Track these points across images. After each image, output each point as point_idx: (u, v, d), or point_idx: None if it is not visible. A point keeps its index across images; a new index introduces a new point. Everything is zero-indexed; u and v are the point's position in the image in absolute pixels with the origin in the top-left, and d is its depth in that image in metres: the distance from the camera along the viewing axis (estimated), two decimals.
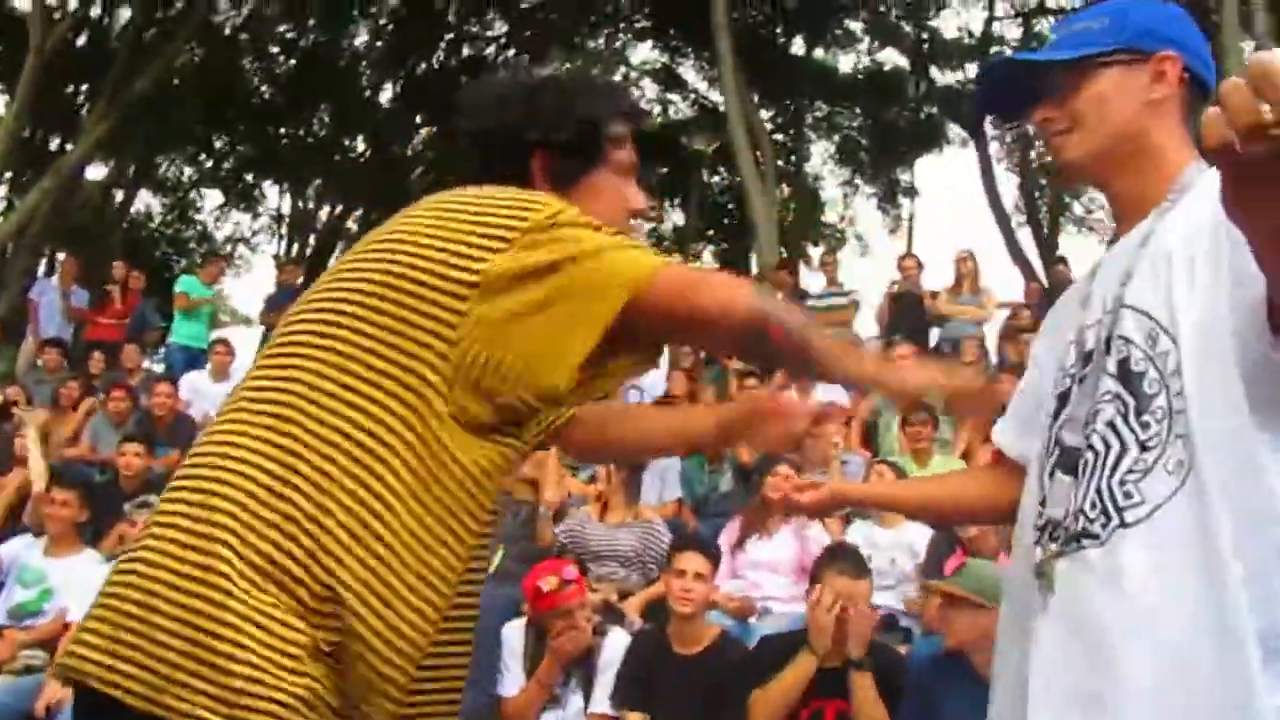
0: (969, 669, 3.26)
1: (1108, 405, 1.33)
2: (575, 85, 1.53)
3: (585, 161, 1.47)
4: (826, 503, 1.78)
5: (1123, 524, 1.28)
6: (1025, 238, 18.22)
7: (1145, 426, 1.29)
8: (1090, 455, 1.34)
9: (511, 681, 3.82)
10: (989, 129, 18.96)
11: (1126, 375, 1.32)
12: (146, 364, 10.02)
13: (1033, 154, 19.33)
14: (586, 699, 3.70)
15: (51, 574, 4.74)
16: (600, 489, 5.30)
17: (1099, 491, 1.31)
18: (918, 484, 2.28)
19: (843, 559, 3.67)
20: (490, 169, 1.47)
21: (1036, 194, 19.37)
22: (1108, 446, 1.32)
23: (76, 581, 4.51)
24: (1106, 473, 1.31)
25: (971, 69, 19.50)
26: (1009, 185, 19.13)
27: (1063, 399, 1.42)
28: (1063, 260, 10.24)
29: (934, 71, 19.72)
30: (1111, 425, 1.32)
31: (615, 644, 3.79)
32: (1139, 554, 1.25)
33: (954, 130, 19.91)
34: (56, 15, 13.96)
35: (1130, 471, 1.29)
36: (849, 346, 1.52)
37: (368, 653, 1.24)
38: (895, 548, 4.80)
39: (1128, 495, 1.29)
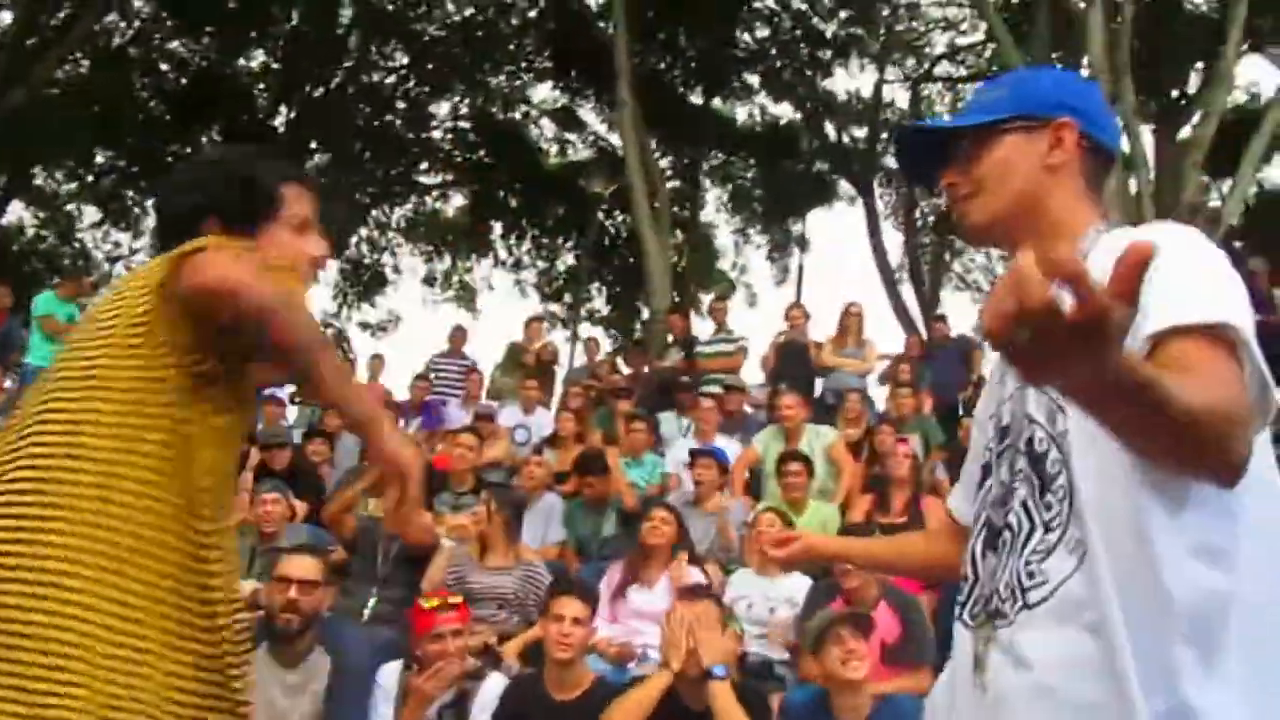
0: (834, 716, 3.33)
1: (1021, 484, 1.36)
2: (245, 157, 1.79)
3: (256, 221, 1.70)
4: (799, 555, 1.85)
5: (1026, 605, 1.30)
6: (907, 293, 18.85)
7: (1048, 507, 1.31)
8: (1008, 534, 1.36)
9: None
10: (877, 187, 19.62)
11: (1032, 455, 1.35)
12: (8, 384, 9.53)
13: (917, 213, 20.04)
14: None
15: None
16: (481, 529, 5.22)
17: (1012, 572, 1.34)
18: (893, 542, 2.33)
19: (693, 590, 3.82)
20: (168, 241, 1.67)
21: (920, 252, 20.06)
22: (1020, 526, 1.35)
23: None
24: (1018, 553, 1.33)
25: (860, 131, 20.17)
26: (894, 242, 19.78)
27: (985, 472, 1.46)
28: (942, 318, 10.63)
29: (828, 128, 20.32)
30: (1024, 504, 1.35)
31: (491, 688, 3.74)
32: (1038, 634, 1.28)
33: (844, 186, 20.52)
34: None
35: (1034, 551, 1.31)
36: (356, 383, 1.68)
37: None
38: (776, 598, 4.86)
39: (1031, 575, 1.31)
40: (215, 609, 1.55)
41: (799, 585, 4.84)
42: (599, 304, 20.82)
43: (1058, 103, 1.45)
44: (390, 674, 3.84)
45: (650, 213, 13.25)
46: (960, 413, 7.96)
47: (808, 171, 20.14)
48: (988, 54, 18.79)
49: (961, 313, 24.38)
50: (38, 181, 19.47)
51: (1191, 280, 1.24)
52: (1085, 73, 12.74)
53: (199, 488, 1.55)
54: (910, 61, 20.49)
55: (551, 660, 3.72)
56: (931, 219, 20.26)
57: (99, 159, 19.07)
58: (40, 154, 17.60)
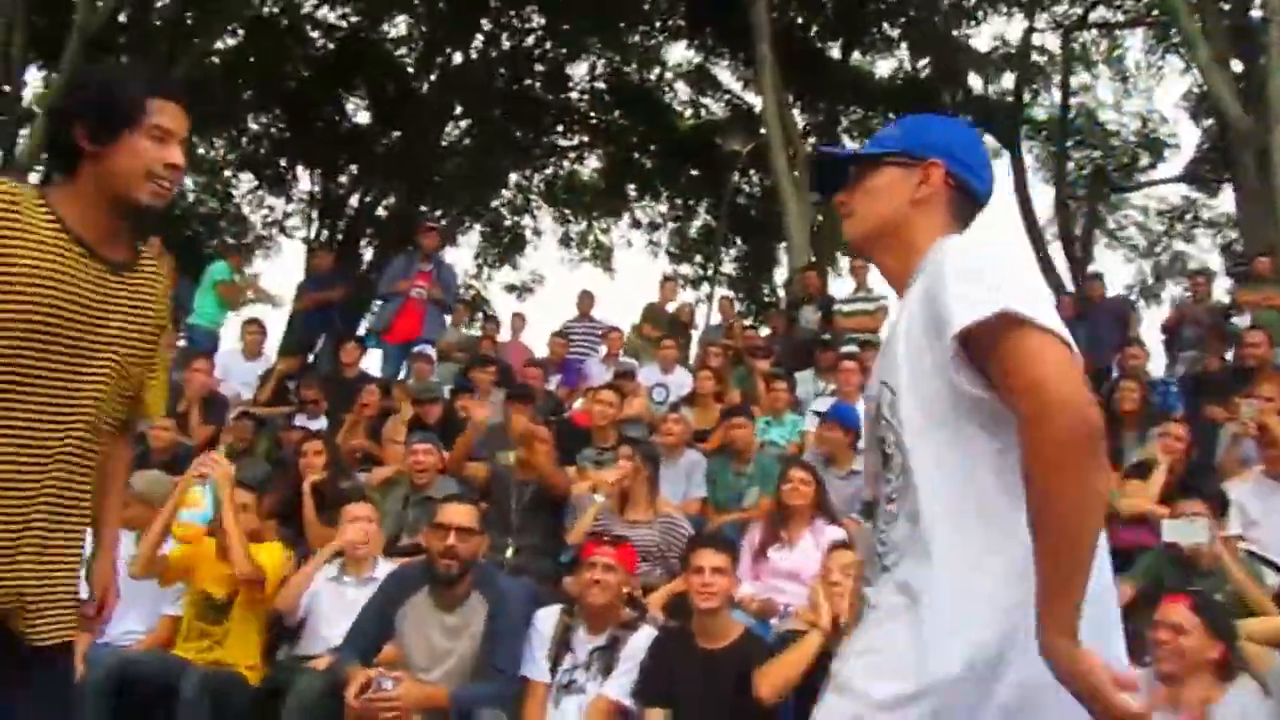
0: None
1: (876, 463, 1.63)
2: (113, 70, 2.04)
3: (115, 128, 1.91)
4: None
5: (883, 568, 1.55)
6: (1056, 252, 18.13)
7: (888, 482, 1.57)
8: (874, 507, 1.64)
9: (535, 666, 3.86)
10: (1024, 141, 18.87)
11: (879, 439, 1.60)
12: (180, 343, 10.09)
13: (1069, 166, 19.20)
14: None
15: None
16: (624, 484, 5.29)
17: (875, 539, 1.61)
18: None
19: (843, 544, 3.81)
20: (52, 145, 2.04)
21: (1071, 208, 19.23)
22: (876, 501, 1.62)
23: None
24: (876, 524, 1.61)
25: (1008, 79, 19.39)
26: (1043, 198, 19.02)
27: (865, 453, 1.75)
28: (1098, 277, 10.16)
29: (971, 81, 19.63)
30: (875, 480, 1.62)
31: (641, 638, 3.82)
32: (886, 595, 1.52)
33: (989, 140, 19.81)
34: (98, 2, 14.07)
35: (884, 523, 1.57)
36: None
37: None
38: None
39: (882, 544, 1.57)
40: None
41: None
42: (730, 266, 20.72)
43: (935, 145, 1.69)
44: (548, 618, 3.97)
45: (789, 170, 13.05)
46: (1115, 375, 7.64)
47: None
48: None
49: (1115, 272, 23.38)
50: (199, 150, 20.45)
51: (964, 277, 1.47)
52: (1259, 13, 11.97)
53: None
54: (1061, 7, 19.53)
55: (697, 611, 3.77)
56: (1085, 172, 19.41)
57: (253, 126, 19.89)
58: (201, 124, 18.46)
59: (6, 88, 14.24)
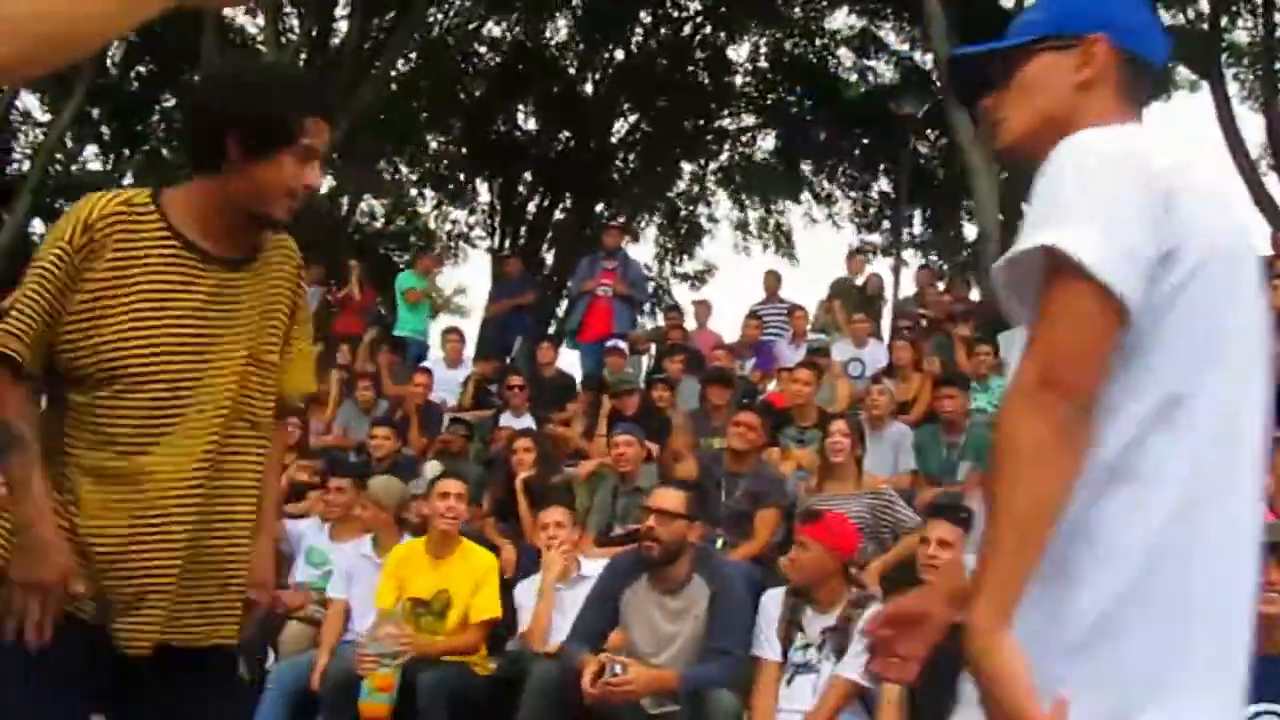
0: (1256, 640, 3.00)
1: None
2: (268, 84, 1.96)
3: (270, 146, 1.86)
4: None
5: None
6: (1272, 184, 16.73)
7: None
8: None
9: (768, 646, 3.85)
10: (1227, 69, 17.54)
11: None
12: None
13: None
14: None
15: (333, 557, 5.13)
16: (838, 460, 5.21)
17: None
18: None
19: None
20: (194, 143, 1.95)
21: None
22: None
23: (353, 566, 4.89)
24: None
25: (1203, 3, 18.04)
26: (1253, 127, 17.57)
27: None
28: None
29: (1160, 13, 18.34)
30: None
31: (870, 615, 3.75)
32: None
33: (1182, 74, 18.50)
34: (283, 39, 14.96)
35: None
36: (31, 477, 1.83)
37: None
38: None
39: None
40: None
41: None
42: (917, 229, 20.11)
43: (1091, 19, 1.44)
44: (775, 599, 3.95)
45: (971, 127, 12.56)
46: None
47: None
48: None
49: None
50: (385, 175, 21.44)
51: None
52: None
53: None
54: None
55: (924, 583, 3.66)
56: None
57: (432, 145, 20.69)
58: (384, 147, 19.36)
59: None
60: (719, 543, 5.09)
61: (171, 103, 19.15)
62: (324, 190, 18.81)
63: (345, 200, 20.07)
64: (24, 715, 1.83)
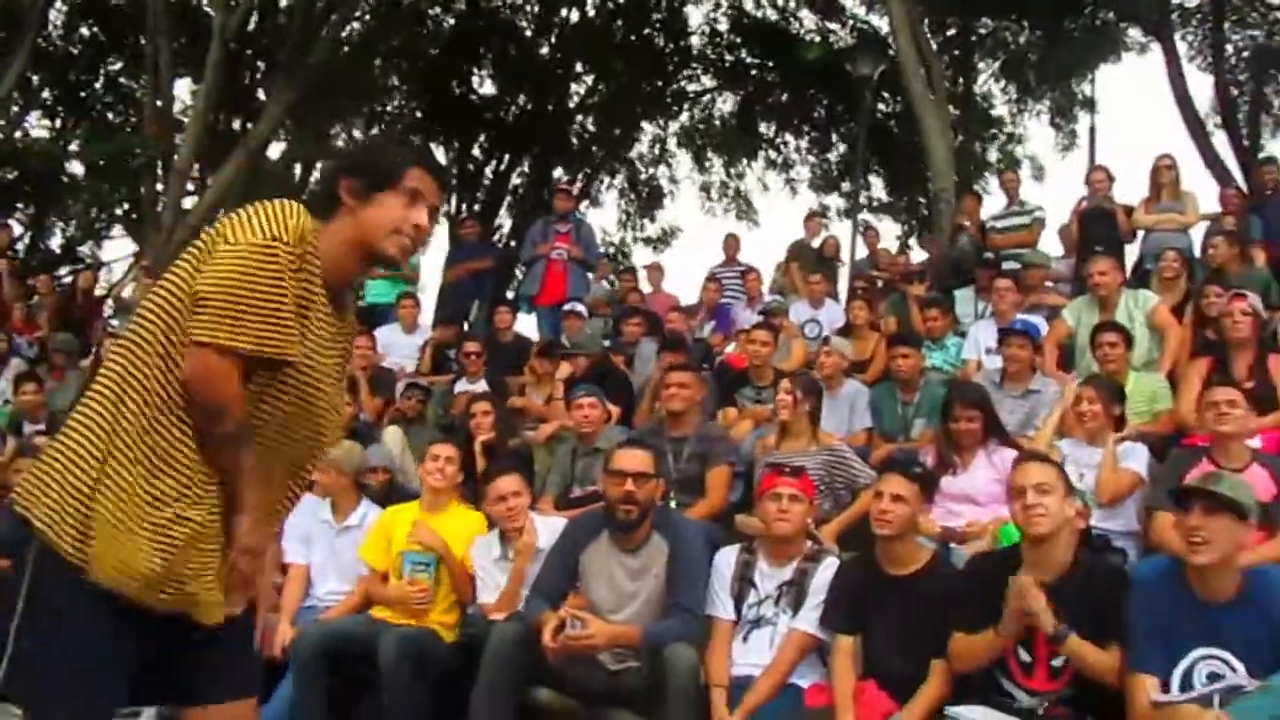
0: (1190, 588, 3.09)
1: None
2: (384, 142, 2.57)
3: (375, 186, 2.09)
4: None
5: None
6: (1220, 142, 16.96)
7: None
8: None
9: (720, 604, 3.90)
10: (1176, 28, 17.67)
11: None
12: None
13: (1229, 49, 17.88)
14: None
15: (289, 520, 5.12)
16: (784, 417, 5.24)
17: None
18: None
19: (1034, 455, 3.64)
20: (320, 192, 2.18)
21: (1235, 93, 17.94)
22: None
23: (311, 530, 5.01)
24: None
25: None
26: (1202, 86, 17.75)
27: None
28: (1271, 161, 9.42)
29: None
30: None
31: (827, 568, 3.81)
32: None
33: (1133, 35, 18.64)
34: (232, 2, 14.65)
35: None
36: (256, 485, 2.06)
37: None
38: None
39: None
40: None
41: (1139, 450, 4.59)
42: (878, 192, 20.19)
43: None
44: (727, 556, 3.99)
45: (926, 89, 12.60)
46: None
47: (1090, 24, 18.36)
48: None
49: None
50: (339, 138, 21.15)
51: None
52: None
53: None
54: None
55: (878, 538, 3.72)
56: (1246, 54, 18.04)
57: (388, 108, 20.41)
58: (338, 110, 19.08)
59: (160, 102, 15.03)
60: (673, 504, 5.13)
61: (118, 66, 18.74)
62: (277, 155, 18.55)
63: (299, 166, 19.78)
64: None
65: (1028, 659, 3.30)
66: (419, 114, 19.95)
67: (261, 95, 16.64)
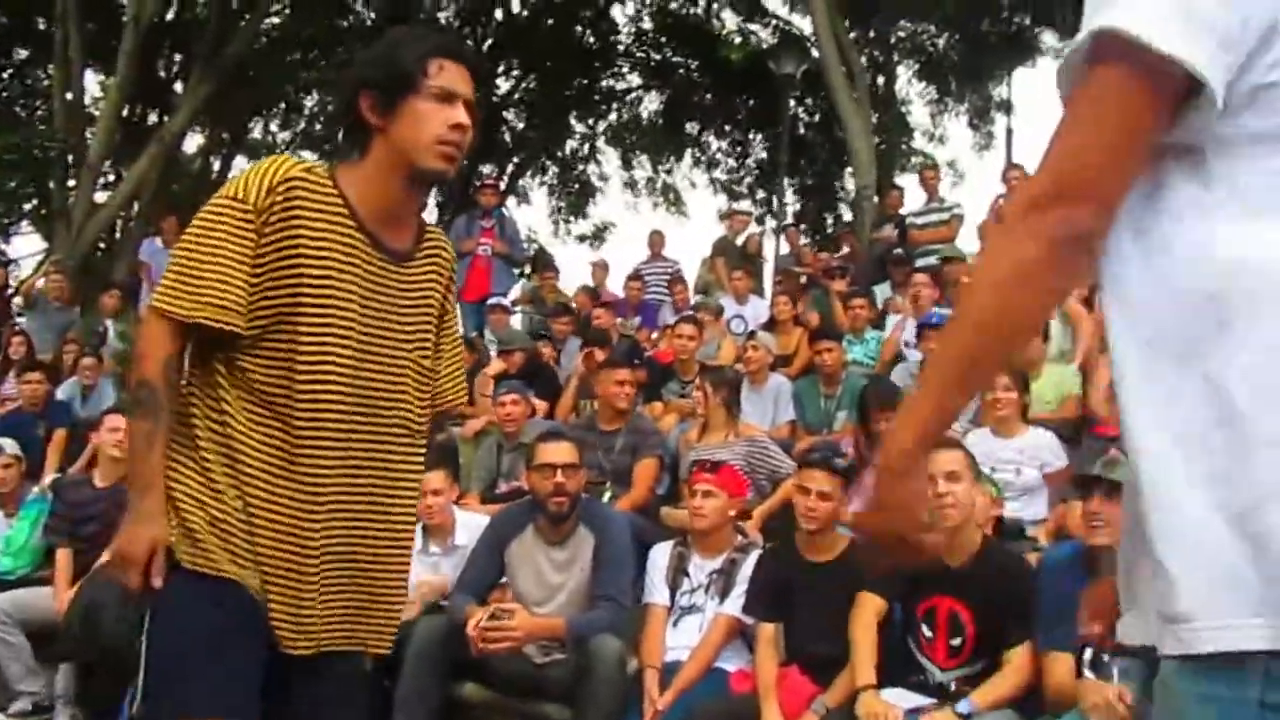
0: (1096, 570, 3.20)
1: None
2: (396, 37, 1.94)
3: (397, 95, 1.85)
4: None
5: None
6: None
7: None
8: None
9: (657, 593, 3.97)
10: None
11: None
12: None
13: None
14: None
15: None
16: (701, 411, 5.33)
17: None
18: None
19: (944, 441, 3.71)
20: (341, 124, 1.95)
21: None
22: None
23: None
24: None
25: None
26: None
27: None
28: None
29: None
30: None
31: (755, 558, 3.87)
32: None
33: (1048, 40, 19.15)
34: None
35: None
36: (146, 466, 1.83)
37: None
38: (1019, 458, 4.75)
39: None
40: None
41: (1044, 441, 4.72)
42: (790, 198, 20.44)
43: None
44: (663, 550, 4.04)
45: (848, 89, 12.80)
46: None
47: (1007, 29, 18.85)
48: None
49: None
50: (255, 135, 20.73)
51: None
52: None
53: None
54: None
55: (801, 530, 3.79)
56: None
57: (308, 102, 20.07)
58: (257, 105, 18.71)
59: (69, 94, 14.57)
60: (607, 496, 5.15)
61: (24, 55, 18.14)
62: (193, 149, 18.13)
63: (216, 161, 19.36)
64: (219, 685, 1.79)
65: (929, 635, 3.40)
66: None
67: (178, 88, 16.25)
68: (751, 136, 20.81)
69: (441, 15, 19.37)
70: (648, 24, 20.23)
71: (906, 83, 20.66)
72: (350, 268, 1.86)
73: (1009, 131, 18.12)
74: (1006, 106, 19.36)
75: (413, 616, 3.97)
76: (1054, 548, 4.12)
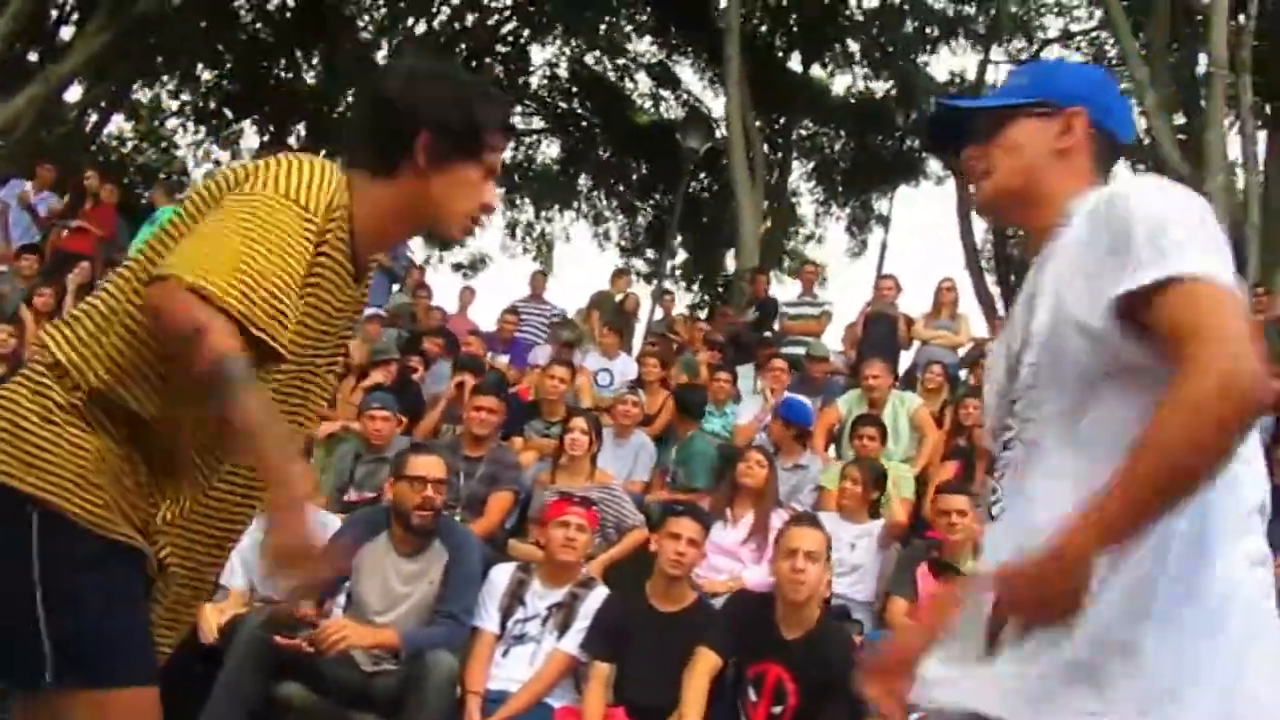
0: None
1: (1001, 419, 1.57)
2: (474, 86, 1.78)
3: (459, 155, 1.71)
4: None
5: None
6: (991, 280, 18.63)
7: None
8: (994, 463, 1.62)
9: (487, 617, 3.96)
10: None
11: (1010, 399, 1.54)
12: None
13: None
14: None
15: None
16: (576, 453, 5.40)
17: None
18: None
19: (806, 518, 3.94)
20: (378, 140, 1.73)
21: (1009, 235, 19.77)
22: (996, 457, 1.59)
23: None
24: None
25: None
26: (981, 224, 19.49)
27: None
28: None
29: (925, 105, 20.03)
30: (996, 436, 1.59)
31: (597, 596, 3.94)
32: None
33: (934, 166, 20.27)
34: None
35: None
36: (277, 432, 1.51)
37: None
38: (857, 538, 5.01)
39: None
40: None
41: (875, 527, 5.01)
42: (679, 261, 20.87)
43: (1074, 92, 1.58)
44: (503, 572, 4.06)
45: (747, 171, 13.27)
46: None
47: (898, 147, 19.92)
48: (1101, 40, 18.41)
49: None
50: (138, 96, 19.98)
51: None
52: (1203, 69, 12.47)
53: None
54: (1017, 43, 20.06)
55: (660, 574, 3.90)
56: None
57: (205, 76, 19.49)
58: (149, 67, 18.06)
59: None
60: (456, 519, 5.15)
61: None
62: (74, 99, 17.33)
63: (93, 115, 18.56)
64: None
65: (754, 699, 3.56)
66: (235, 88, 19.13)
67: (66, 35, 15.59)
68: (640, 203, 21.23)
69: (361, 19, 19.23)
70: (563, 71, 20.51)
71: (799, 179, 21.53)
72: (329, 298, 1.72)
73: (883, 245, 19.00)
74: (885, 220, 20.33)
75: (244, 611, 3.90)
76: (878, 634, 4.36)
